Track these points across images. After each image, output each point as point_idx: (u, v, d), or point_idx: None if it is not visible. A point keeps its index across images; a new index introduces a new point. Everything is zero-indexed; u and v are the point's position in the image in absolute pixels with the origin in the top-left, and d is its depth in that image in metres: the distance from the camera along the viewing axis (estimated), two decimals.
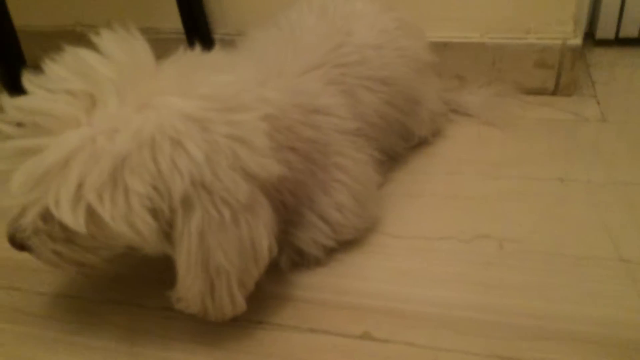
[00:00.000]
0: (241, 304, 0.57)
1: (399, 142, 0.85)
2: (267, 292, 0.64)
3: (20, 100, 0.52)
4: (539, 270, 0.65)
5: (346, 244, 0.70)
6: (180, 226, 0.51)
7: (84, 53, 0.53)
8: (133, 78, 0.52)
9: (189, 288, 0.54)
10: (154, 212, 0.50)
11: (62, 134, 0.49)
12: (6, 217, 0.55)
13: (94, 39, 0.55)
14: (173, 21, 1.17)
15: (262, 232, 0.55)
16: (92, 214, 0.49)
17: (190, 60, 0.59)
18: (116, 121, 0.49)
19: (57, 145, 0.48)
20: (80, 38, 1.32)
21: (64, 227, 0.52)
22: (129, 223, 0.49)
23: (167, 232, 0.52)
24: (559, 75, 1.03)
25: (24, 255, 0.73)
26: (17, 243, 0.55)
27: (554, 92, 1.05)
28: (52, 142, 0.49)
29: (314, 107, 0.66)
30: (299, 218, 0.65)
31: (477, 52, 1.05)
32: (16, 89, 0.53)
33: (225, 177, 0.51)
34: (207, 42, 1.20)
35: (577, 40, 1.00)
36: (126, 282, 0.68)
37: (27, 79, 0.52)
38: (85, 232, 0.49)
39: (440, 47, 1.02)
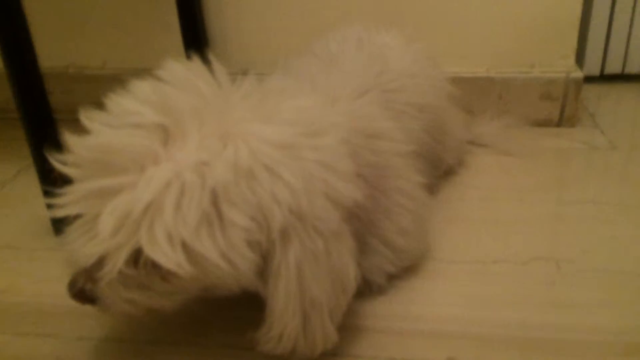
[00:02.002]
0: (333, 337, 0.54)
1: (431, 170, 0.85)
2: None
3: (90, 140, 0.48)
4: (602, 288, 0.65)
5: (405, 271, 0.68)
6: (277, 258, 0.48)
7: (150, 85, 0.50)
8: (208, 107, 0.49)
9: (286, 324, 0.50)
10: (252, 245, 0.47)
11: (146, 171, 0.45)
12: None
13: (159, 72, 0.52)
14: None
15: (349, 261, 0.53)
16: (188, 252, 0.45)
17: (256, 87, 0.57)
18: (202, 153, 0.46)
19: (146, 183, 0.44)
20: (73, 79, 1.28)
21: (149, 271, 0.47)
22: (228, 258, 0.46)
23: (260, 266, 0.49)
24: (564, 106, 1.07)
25: (55, 300, 0.68)
26: (87, 296, 0.50)
27: (558, 124, 1.09)
28: (136, 180, 0.45)
29: (372, 131, 0.65)
30: (362, 245, 0.63)
31: (484, 86, 1.08)
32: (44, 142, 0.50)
33: (319, 205, 0.49)
34: None
35: (579, 73, 1.05)
36: (173, 322, 0.63)
37: (87, 117, 0.49)
38: (185, 271, 0.45)
39: (449, 82, 1.04)
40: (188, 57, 1.14)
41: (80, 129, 0.49)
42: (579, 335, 0.59)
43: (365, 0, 1.06)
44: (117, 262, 0.45)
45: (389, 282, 0.66)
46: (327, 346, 0.54)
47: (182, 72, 0.52)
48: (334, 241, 0.51)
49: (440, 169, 0.88)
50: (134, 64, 1.18)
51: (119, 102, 0.50)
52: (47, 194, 0.49)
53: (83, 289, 0.49)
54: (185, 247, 0.44)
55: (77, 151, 0.48)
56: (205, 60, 0.54)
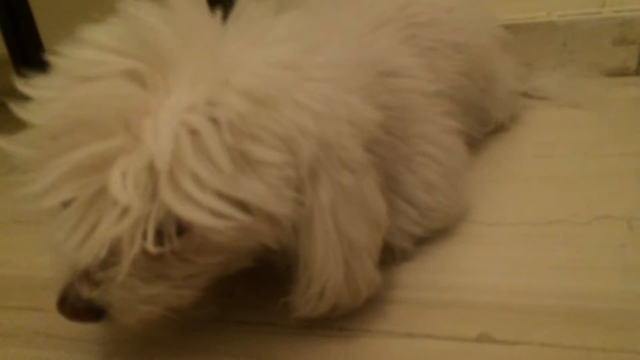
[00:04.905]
0: (377, 279, 0.47)
1: (476, 126, 0.73)
2: None
3: (49, 108, 0.38)
4: None
5: (435, 234, 0.57)
6: (309, 201, 0.40)
7: (107, 28, 0.41)
8: (187, 40, 0.40)
9: (328, 276, 0.43)
10: (287, 181, 0.39)
11: (139, 126, 0.36)
12: None
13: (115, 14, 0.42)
14: None
15: (377, 193, 0.45)
16: (227, 202, 0.37)
17: (242, 12, 0.47)
18: (201, 92, 0.37)
19: (152, 136, 0.35)
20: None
21: (177, 247, 0.39)
22: (271, 200, 0.38)
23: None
24: None
25: (45, 273, 0.62)
26: (95, 308, 0.40)
27: (637, 71, 0.92)
28: (129, 139, 0.36)
29: (388, 67, 0.55)
30: None
31: (546, 33, 0.94)
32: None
33: (344, 133, 0.41)
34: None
35: None
36: None
37: (28, 85, 0.39)
38: (236, 220, 0.37)
39: (504, 30, 0.91)
40: None
41: None
42: None
43: None
44: (146, 239, 0.36)
45: (415, 246, 0.56)
46: (371, 291, 0.47)
47: (144, 9, 0.41)
48: (362, 174, 0.44)
49: (487, 125, 0.75)
50: None
51: (72, 55, 0.40)
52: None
53: (90, 299, 0.40)
54: (222, 196, 0.36)
55: (36, 125, 0.38)
56: None
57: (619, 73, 0.93)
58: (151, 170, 0.35)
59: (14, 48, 0.75)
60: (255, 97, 0.38)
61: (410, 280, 0.53)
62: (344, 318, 0.48)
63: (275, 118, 0.38)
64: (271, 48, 0.41)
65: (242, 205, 0.37)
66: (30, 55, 0.76)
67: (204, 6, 0.44)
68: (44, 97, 0.39)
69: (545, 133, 0.78)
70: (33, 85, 0.40)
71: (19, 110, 0.39)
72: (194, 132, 0.36)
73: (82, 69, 0.39)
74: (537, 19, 0.93)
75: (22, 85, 0.40)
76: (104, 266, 0.38)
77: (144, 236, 0.36)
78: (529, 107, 0.85)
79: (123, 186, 0.35)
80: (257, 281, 0.52)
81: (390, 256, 0.55)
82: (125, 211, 0.35)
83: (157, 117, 0.36)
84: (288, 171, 0.39)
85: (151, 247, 0.36)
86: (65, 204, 0.37)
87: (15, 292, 0.61)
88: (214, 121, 0.37)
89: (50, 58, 0.41)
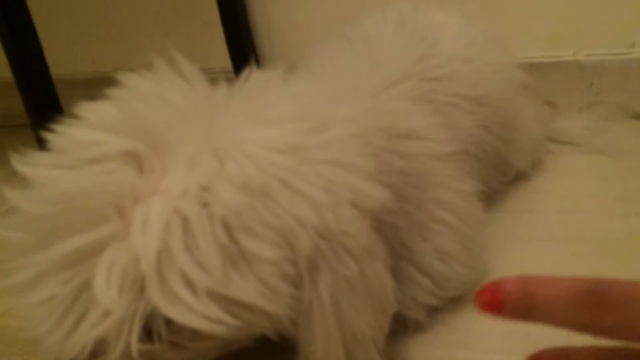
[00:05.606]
0: None
1: (495, 176, 0.70)
2: None
3: (42, 191, 0.36)
4: None
5: (451, 303, 0.54)
6: (307, 295, 0.39)
7: (106, 106, 0.40)
8: (186, 120, 0.39)
9: None
10: (284, 278, 0.37)
11: (130, 213, 0.34)
12: None
13: (115, 90, 0.41)
14: (221, 60, 1.08)
15: (385, 275, 0.43)
16: (219, 301, 0.34)
17: (238, 85, 0.45)
18: (196, 177, 0.36)
19: (140, 227, 0.33)
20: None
21: (168, 341, 0.37)
22: (267, 297, 0.36)
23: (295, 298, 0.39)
24: None
25: None
26: None
27: None
28: (120, 228, 0.34)
29: (401, 130, 0.52)
30: (392, 273, 0.50)
31: (571, 73, 0.90)
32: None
33: (346, 217, 0.39)
34: None
35: None
36: None
37: (25, 163, 0.38)
38: (223, 327, 0.34)
39: (527, 69, 0.88)
40: (232, 55, 1.05)
41: None
42: None
43: None
44: (131, 338, 0.33)
45: (429, 317, 0.53)
46: None
47: (143, 85, 0.41)
48: (367, 258, 0.41)
49: (507, 175, 0.72)
50: None
51: (69, 135, 0.39)
52: None
53: None
54: (214, 296, 0.34)
55: (27, 209, 0.37)
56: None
57: None
58: (139, 264, 0.33)
59: (18, 70, 0.74)
60: (250, 187, 0.36)
61: (422, 356, 0.50)
62: None
63: (271, 210, 0.36)
64: (271, 129, 0.40)
65: (236, 303, 0.35)
66: (35, 77, 0.75)
67: (204, 80, 0.42)
68: (39, 178, 0.37)
69: (570, 183, 0.74)
70: (29, 164, 0.38)
71: (12, 195, 0.37)
72: (185, 221, 0.34)
73: (79, 150, 0.37)
74: (562, 58, 0.90)
75: (18, 163, 0.38)
76: (92, 355, 0.36)
77: (131, 332, 0.34)
78: (552, 152, 0.82)
79: (107, 285, 0.33)
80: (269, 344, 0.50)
81: (402, 327, 0.52)
82: (108, 312, 0.33)
83: (149, 204, 0.34)
84: (285, 267, 0.36)
85: (137, 345, 0.34)
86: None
87: (16, 346, 0.59)
88: (207, 209, 0.35)
89: (48, 136, 0.39)
